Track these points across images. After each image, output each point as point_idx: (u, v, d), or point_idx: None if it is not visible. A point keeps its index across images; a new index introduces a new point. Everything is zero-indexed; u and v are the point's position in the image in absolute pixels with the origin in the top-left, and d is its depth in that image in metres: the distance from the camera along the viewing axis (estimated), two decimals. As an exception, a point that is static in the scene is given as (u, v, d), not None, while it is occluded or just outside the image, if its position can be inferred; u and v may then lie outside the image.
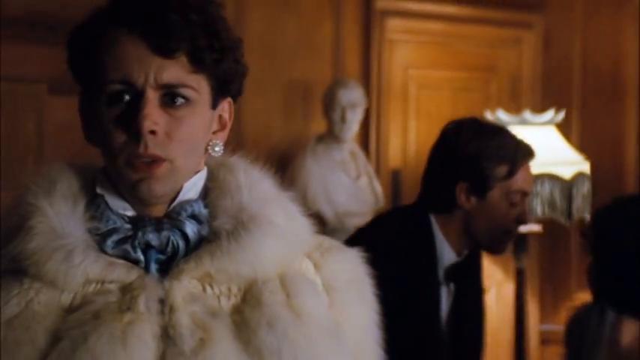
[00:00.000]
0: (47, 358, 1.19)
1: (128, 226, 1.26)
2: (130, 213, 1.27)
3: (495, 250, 2.68)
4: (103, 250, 1.24)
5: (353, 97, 4.12)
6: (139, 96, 1.21)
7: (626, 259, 2.25)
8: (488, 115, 4.12)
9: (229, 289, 1.26)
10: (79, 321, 1.20)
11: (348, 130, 4.11)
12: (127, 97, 1.22)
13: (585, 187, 4.00)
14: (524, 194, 2.59)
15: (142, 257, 1.25)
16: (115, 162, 1.23)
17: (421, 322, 2.43)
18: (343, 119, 4.10)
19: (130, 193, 1.25)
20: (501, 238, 2.60)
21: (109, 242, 1.25)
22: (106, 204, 1.27)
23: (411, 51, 4.83)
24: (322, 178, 4.05)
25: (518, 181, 2.56)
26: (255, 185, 1.30)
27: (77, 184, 1.29)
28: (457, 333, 2.64)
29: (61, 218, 1.24)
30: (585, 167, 4.07)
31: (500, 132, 2.63)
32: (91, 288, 1.23)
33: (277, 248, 1.28)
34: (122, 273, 1.23)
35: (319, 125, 4.34)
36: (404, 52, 4.80)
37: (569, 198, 3.88)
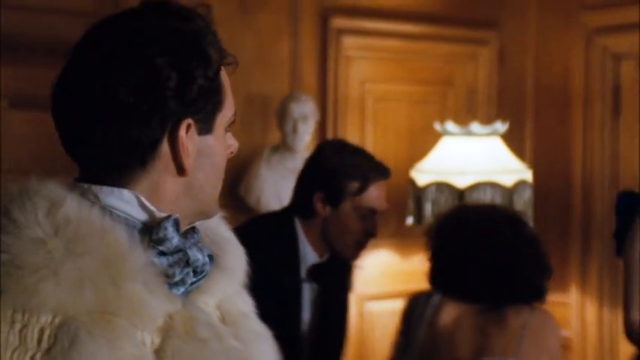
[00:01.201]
0: None
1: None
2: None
3: (347, 257, 2.97)
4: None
5: (304, 109, 4.31)
6: None
7: (452, 252, 2.65)
8: (438, 127, 4.32)
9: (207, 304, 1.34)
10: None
11: (300, 140, 4.31)
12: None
13: (526, 194, 4.20)
14: (373, 211, 2.87)
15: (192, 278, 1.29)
16: (215, 192, 1.32)
17: (281, 319, 2.71)
18: (295, 130, 4.29)
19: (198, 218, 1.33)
20: (352, 246, 2.90)
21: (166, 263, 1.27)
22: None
23: (368, 66, 4.90)
24: (276, 185, 4.28)
25: (368, 198, 2.86)
26: None
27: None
28: (320, 331, 2.91)
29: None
30: (527, 175, 4.26)
31: (358, 152, 2.93)
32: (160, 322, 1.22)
33: (240, 262, 1.41)
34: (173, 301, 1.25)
35: (276, 137, 4.47)
36: (361, 67, 4.87)
37: (509, 204, 4.09)
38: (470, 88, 5.21)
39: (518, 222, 2.79)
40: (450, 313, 2.71)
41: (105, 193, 1.25)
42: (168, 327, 1.21)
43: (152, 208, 1.26)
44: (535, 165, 4.91)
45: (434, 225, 2.81)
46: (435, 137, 4.37)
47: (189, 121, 1.25)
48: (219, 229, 1.41)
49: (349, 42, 4.83)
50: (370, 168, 2.87)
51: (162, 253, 1.26)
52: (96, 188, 1.25)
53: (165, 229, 1.25)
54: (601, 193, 4.98)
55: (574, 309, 5.04)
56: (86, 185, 1.26)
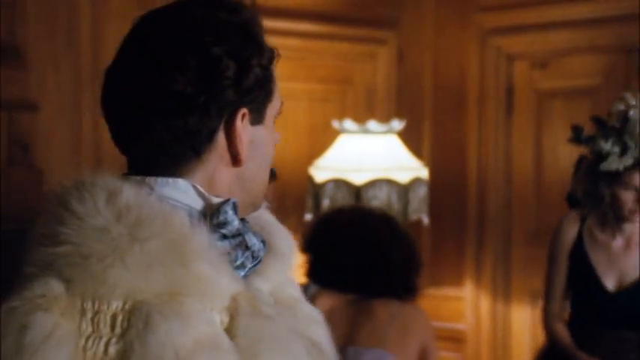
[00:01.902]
0: None
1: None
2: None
3: None
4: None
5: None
6: None
7: (326, 246, 2.79)
8: (336, 124, 4.39)
9: None
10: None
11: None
12: None
13: (422, 191, 4.30)
14: None
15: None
16: (265, 183, 1.34)
17: None
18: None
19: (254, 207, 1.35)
20: None
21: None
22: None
23: (268, 64, 4.93)
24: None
25: None
26: None
27: None
28: None
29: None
30: (423, 173, 4.36)
31: None
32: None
33: (290, 247, 1.43)
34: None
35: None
36: (260, 65, 4.90)
37: (405, 201, 4.18)
38: (369, 87, 5.28)
39: (392, 222, 2.93)
40: (324, 303, 2.81)
41: (160, 184, 1.24)
42: (235, 306, 1.21)
43: (209, 195, 1.26)
44: (432, 162, 5.02)
45: (312, 222, 2.93)
46: (334, 135, 4.44)
47: (244, 110, 1.26)
48: (264, 216, 1.41)
49: (248, 40, 4.80)
50: None
51: (223, 237, 1.26)
52: (150, 179, 1.24)
53: (226, 212, 1.25)
54: (495, 190, 5.12)
55: (468, 302, 5.17)
56: (139, 177, 1.25)
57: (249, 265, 1.29)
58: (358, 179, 4.15)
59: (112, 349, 1.13)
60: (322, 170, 4.27)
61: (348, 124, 4.35)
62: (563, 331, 3.48)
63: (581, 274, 3.40)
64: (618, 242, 3.37)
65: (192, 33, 1.23)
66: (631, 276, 3.32)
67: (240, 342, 1.19)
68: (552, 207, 4.92)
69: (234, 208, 1.27)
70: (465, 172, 5.19)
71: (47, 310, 1.13)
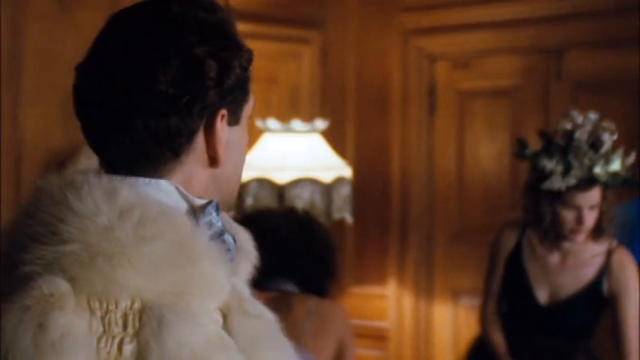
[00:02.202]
0: None
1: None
2: None
3: None
4: None
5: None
6: None
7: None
8: (260, 123, 4.38)
9: None
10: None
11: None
12: None
13: (345, 190, 4.31)
14: None
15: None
16: (238, 184, 1.34)
17: None
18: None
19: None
20: None
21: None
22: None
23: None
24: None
25: None
26: None
27: None
28: None
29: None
30: (346, 172, 4.37)
31: None
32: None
33: (250, 244, 1.44)
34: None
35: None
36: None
37: (329, 200, 4.20)
38: (293, 86, 5.28)
39: (313, 226, 2.94)
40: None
41: (142, 185, 1.23)
42: (227, 306, 1.23)
43: (192, 197, 1.25)
44: (355, 162, 5.04)
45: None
46: (258, 134, 4.43)
47: (224, 111, 1.25)
48: (228, 221, 1.40)
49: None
50: None
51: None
52: (131, 180, 1.23)
53: (210, 213, 1.26)
54: (418, 189, 5.16)
55: (392, 301, 5.21)
56: (119, 177, 1.23)
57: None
58: (281, 178, 4.15)
59: (127, 349, 1.13)
60: (245, 169, 4.25)
61: (272, 123, 4.35)
62: (497, 337, 3.49)
63: (516, 283, 3.42)
64: (555, 257, 3.39)
65: (175, 33, 1.22)
66: (564, 292, 3.34)
67: (239, 341, 1.21)
68: (474, 206, 4.99)
69: (217, 209, 1.27)
70: (388, 172, 5.23)
71: (62, 309, 1.12)
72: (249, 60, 1.30)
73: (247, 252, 1.38)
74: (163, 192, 1.24)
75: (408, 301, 5.17)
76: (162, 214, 1.19)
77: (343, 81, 5.35)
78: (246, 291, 1.32)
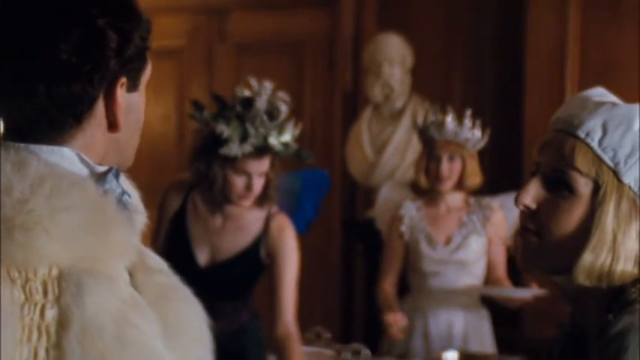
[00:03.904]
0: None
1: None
2: None
3: None
4: None
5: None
6: None
7: None
8: None
9: None
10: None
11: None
12: None
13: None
14: None
15: None
16: (136, 147, 1.40)
17: None
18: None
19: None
20: None
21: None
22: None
23: None
24: None
25: None
26: None
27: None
28: None
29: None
30: None
31: None
32: None
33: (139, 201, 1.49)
34: None
35: None
36: None
37: None
38: None
39: None
40: None
41: (46, 152, 1.28)
42: (133, 264, 1.32)
43: (93, 164, 1.31)
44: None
45: None
46: None
47: (124, 79, 1.31)
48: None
49: None
50: None
51: None
52: (35, 147, 1.27)
53: (110, 181, 1.32)
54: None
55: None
56: (22, 145, 1.27)
57: None
58: None
59: (49, 314, 1.19)
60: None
61: None
62: None
63: (178, 244, 3.43)
64: (217, 220, 3.42)
65: (79, 3, 1.28)
66: (223, 254, 3.40)
67: (146, 297, 1.30)
68: (141, 167, 4.95)
69: (117, 175, 1.35)
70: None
71: None
72: (148, 30, 1.36)
73: (139, 210, 1.44)
74: (67, 160, 1.29)
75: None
76: (73, 184, 1.25)
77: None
78: (144, 247, 1.40)
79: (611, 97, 1.46)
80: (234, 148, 3.23)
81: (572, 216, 1.39)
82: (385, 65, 4.55)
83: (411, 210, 3.73)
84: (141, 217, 1.44)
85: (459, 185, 3.64)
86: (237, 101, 3.27)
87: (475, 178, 3.63)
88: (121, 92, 1.32)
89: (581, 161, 1.38)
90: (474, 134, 3.58)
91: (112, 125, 1.32)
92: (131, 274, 1.32)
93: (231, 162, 3.25)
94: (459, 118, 3.57)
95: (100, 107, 1.31)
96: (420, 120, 3.82)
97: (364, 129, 4.68)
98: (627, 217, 1.37)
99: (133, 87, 1.35)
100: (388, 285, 3.71)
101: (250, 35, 4.76)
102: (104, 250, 1.25)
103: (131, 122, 1.36)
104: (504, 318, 3.77)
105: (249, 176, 3.28)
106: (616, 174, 1.38)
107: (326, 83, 5.02)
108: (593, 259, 1.36)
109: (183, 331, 1.36)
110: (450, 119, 3.55)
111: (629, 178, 1.38)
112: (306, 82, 5.00)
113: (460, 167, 3.60)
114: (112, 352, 1.20)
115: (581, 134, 1.39)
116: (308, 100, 5.03)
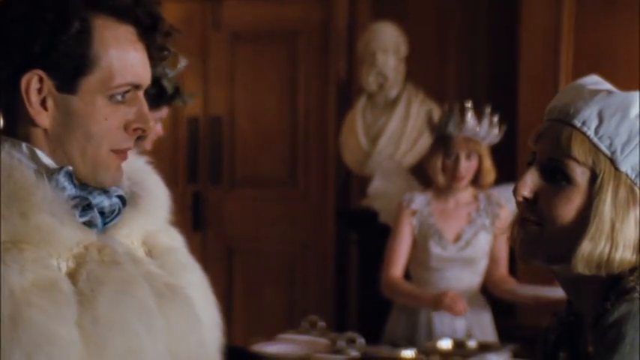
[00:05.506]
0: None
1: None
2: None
3: None
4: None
5: None
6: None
7: None
8: None
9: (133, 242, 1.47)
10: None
11: None
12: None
13: None
14: None
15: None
16: (100, 150, 1.35)
17: None
18: None
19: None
20: None
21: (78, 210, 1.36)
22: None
23: None
24: None
25: None
26: None
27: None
28: None
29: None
30: None
31: None
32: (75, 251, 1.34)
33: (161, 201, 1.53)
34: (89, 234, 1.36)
35: None
36: None
37: None
38: None
39: None
40: None
41: (9, 144, 1.33)
42: (84, 254, 1.33)
43: (46, 160, 1.35)
44: None
45: None
46: None
47: (39, 72, 1.32)
48: (143, 171, 1.51)
49: None
50: None
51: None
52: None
53: (58, 180, 1.33)
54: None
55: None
56: None
57: (98, 222, 1.38)
58: None
59: None
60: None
61: None
62: None
63: None
64: None
65: None
66: None
67: (82, 286, 1.30)
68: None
69: (69, 175, 1.35)
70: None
71: None
72: (88, 40, 1.33)
73: (148, 204, 1.47)
74: (22, 152, 1.34)
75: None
76: (5, 169, 1.30)
77: None
78: (118, 242, 1.40)
79: (606, 85, 1.45)
80: None
81: (571, 205, 1.39)
82: (379, 54, 4.54)
83: (422, 203, 3.65)
84: (151, 211, 1.48)
85: (474, 182, 3.56)
86: None
87: (491, 176, 3.55)
88: (37, 86, 1.32)
89: (578, 150, 1.38)
90: (492, 131, 3.51)
91: (34, 117, 1.34)
92: (79, 264, 1.32)
93: None
94: (461, 112, 3.49)
95: (21, 96, 1.33)
96: (434, 116, 3.73)
97: (358, 118, 4.68)
98: (625, 205, 1.37)
99: (65, 88, 1.33)
100: (398, 275, 3.63)
101: (245, 24, 4.74)
102: (24, 235, 1.28)
103: (70, 126, 1.35)
104: (500, 307, 3.77)
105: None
106: (613, 162, 1.37)
107: (320, 72, 5.01)
108: (591, 247, 1.36)
109: (120, 328, 1.31)
110: (470, 116, 3.46)
111: (625, 166, 1.37)
112: (300, 71, 4.99)
113: (476, 165, 3.52)
114: (3, 328, 1.23)
115: (577, 123, 1.39)
116: (302, 89, 5.02)
